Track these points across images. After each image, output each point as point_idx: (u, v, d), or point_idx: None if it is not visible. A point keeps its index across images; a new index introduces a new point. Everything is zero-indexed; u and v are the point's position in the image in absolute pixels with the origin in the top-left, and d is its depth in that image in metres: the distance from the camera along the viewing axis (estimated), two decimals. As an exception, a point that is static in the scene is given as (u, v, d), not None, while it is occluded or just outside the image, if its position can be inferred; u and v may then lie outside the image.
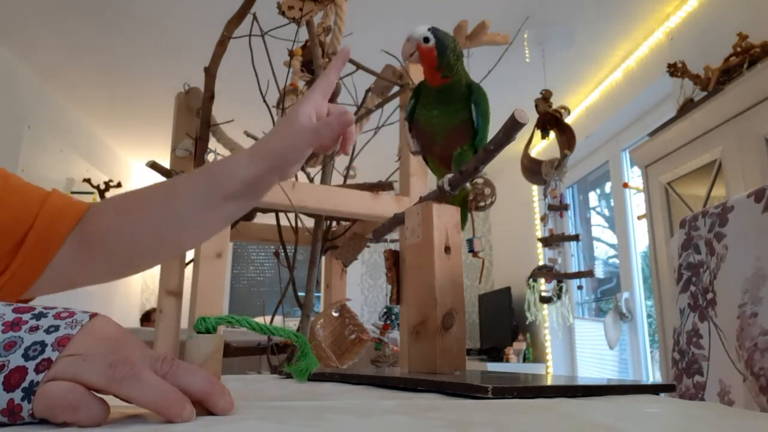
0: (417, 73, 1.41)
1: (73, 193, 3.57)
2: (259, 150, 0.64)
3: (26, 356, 0.32)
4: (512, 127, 0.63)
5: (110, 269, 0.69)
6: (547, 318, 4.02)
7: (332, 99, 1.40)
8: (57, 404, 0.30)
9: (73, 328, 0.34)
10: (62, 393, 0.30)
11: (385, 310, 1.30)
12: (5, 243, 0.61)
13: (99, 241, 0.65)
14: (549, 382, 0.51)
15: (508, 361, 4.19)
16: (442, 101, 0.79)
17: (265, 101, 1.35)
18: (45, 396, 0.30)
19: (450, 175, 0.74)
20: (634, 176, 3.37)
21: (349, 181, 1.42)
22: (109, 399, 0.32)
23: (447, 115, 0.78)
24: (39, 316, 0.35)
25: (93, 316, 0.36)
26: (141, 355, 0.34)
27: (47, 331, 0.33)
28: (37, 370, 0.31)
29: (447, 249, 0.68)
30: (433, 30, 0.76)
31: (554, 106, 2.18)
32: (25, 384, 0.31)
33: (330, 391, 0.54)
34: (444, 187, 0.73)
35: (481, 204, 1.40)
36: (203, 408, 0.34)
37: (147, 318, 4.36)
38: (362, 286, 5.62)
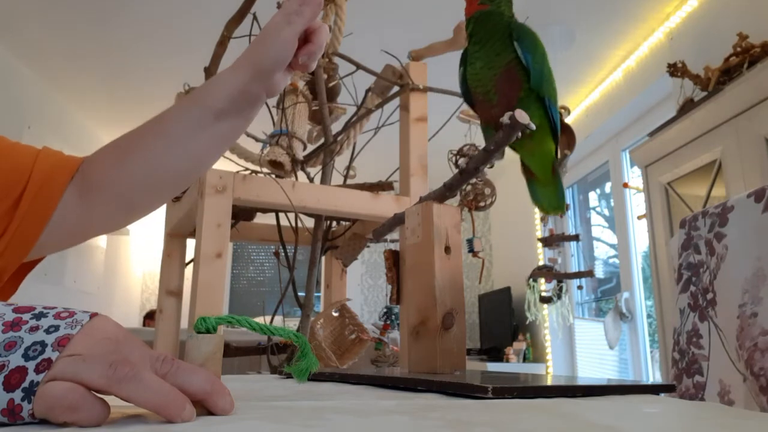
0: (417, 73, 1.41)
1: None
2: (240, 60, 0.64)
3: (26, 356, 0.32)
4: (512, 127, 0.63)
5: (116, 215, 0.68)
6: (547, 318, 4.02)
7: (332, 99, 1.41)
8: (57, 404, 0.30)
9: (73, 328, 0.34)
10: (62, 393, 0.30)
11: (385, 310, 1.30)
12: (1, 204, 0.60)
13: (100, 188, 0.64)
14: (549, 382, 0.51)
15: (508, 361, 4.19)
16: (480, 41, 0.71)
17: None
18: (45, 396, 0.30)
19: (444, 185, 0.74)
20: (634, 176, 3.37)
21: (349, 181, 1.42)
22: (109, 399, 0.32)
23: (489, 59, 0.69)
24: (39, 316, 0.35)
25: (93, 316, 0.36)
26: (141, 355, 0.34)
27: (47, 331, 0.33)
28: (37, 371, 0.31)
29: (447, 249, 0.68)
30: None
31: (554, 106, 2.18)
32: (25, 384, 0.31)
33: (330, 391, 0.54)
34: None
35: (481, 204, 1.40)
36: (203, 408, 0.34)
37: (151, 317, 4.36)
38: (362, 286, 5.62)
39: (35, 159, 0.63)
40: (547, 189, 0.79)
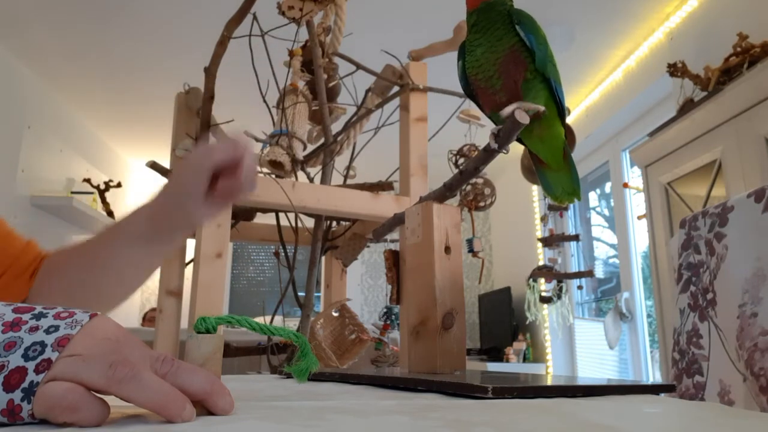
0: (417, 73, 1.41)
1: (73, 193, 3.56)
2: (160, 190, 0.70)
3: (26, 356, 0.32)
4: (512, 127, 0.63)
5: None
6: (547, 318, 4.02)
7: (332, 99, 1.41)
8: (57, 404, 0.30)
9: (72, 328, 0.34)
10: (62, 393, 0.30)
11: (385, 310, 1.30)
12: None
13: (53, 294, 0.71)
14: (549, 382, 0.51)
15: (508, 361, 4.19)
16: (482, 30, 0.70)
17: (265, 101, 1.35)
18: (45, 396, 0.30)
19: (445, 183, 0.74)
20: (634, 176, 3.37)
21: (349, 181, 1.42)
22: (109, 399, 0.32)
23: (491, 45, 0.69)
24: (39, 316, 0.35)
25: (93, 316, 0.36)
26: (141, 355, 0.34)
27: (47, 332, 0.33)
28: (37, 371, 0.31)
29: (447, 249, 0.68)
30: None
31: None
32: (25, 384, 0.31)
33: (330, 391, 0.54)
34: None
35: (481, 204, 1.40)
36: (203, 408, 0.34)
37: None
38: (362, 286, 5.62)
39: (17, 257, 0.71)
40: (559, 174, 0.75)
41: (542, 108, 0.64)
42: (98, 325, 0.35)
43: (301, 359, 0.44)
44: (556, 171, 0.75)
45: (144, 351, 0.35)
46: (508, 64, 0.68)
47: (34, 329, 0.33)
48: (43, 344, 0.32)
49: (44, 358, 0.32)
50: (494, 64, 0.69)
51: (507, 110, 0.63)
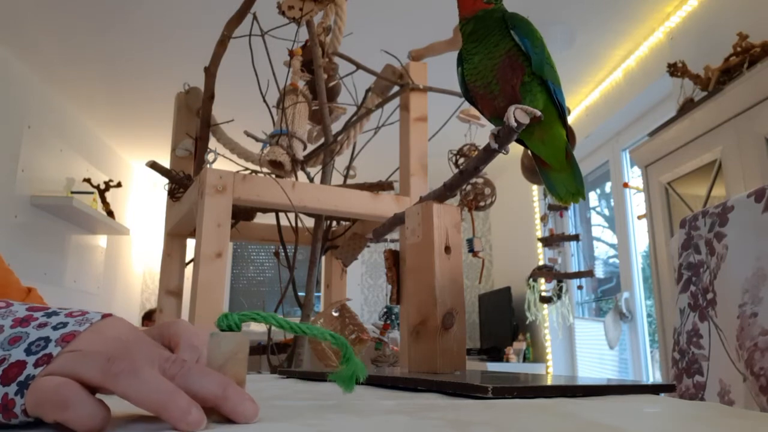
0: (417, 73, 1.41)
1: (73, 193, 3.56)
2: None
3: (28, 351, 0.31)
4: (510, 131, 0.63)
5: None
6: (547, 318, 4.02)
7: (332, 99, 1.41)
8: (47, 400, 0.28)
9: (81, 325, 0.33)
10: (53, 388, 0.28)
11: (385, 310, 1.30)
12: None
13: None
14: (549, 382, 0.51)
15: (508, 361, 4.19)
16: (478, 38, 0.70)
17: (265, 101, 1.35)
18: (36, 390, 0.29)
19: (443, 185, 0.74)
20: (634, 176, 3.37)
21: (349, 181, 1.42)
22: (111, 402, 0.31)
23: (488, 51, 0.69)
24: (51, 314, 0.34)
25: (106, 316, 0.35)
26: (149, 354, 0.32)
27: (55, 328, 0.32)
28: (36, 365, 0.30)
29: (447, 249, 0.68)
30: None
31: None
32: (21, 378, 0.29)
33: (330, 391, 0.54)
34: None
35: (481, 204, 1.40)
36: (221, 416, 0.31)
37: (148, 317, 4.36)
38: (362, 286, 5.62)
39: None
40: (562, 175, 0.75)
41: (539, 113, 0.64)
42: (110, 324, 0.34)
43: (345, 365, 0.38)
44: (559, 172, 0.75)
45: (155, 351, 0.33)
46: (505, 69, 0.68)
47: (42, 325, 0.33)
48: (47, 339, 0.31)
49: (46, 353, 0.30)
50: (492, 70, 0.69)
51: (508, 114, 0.63)
